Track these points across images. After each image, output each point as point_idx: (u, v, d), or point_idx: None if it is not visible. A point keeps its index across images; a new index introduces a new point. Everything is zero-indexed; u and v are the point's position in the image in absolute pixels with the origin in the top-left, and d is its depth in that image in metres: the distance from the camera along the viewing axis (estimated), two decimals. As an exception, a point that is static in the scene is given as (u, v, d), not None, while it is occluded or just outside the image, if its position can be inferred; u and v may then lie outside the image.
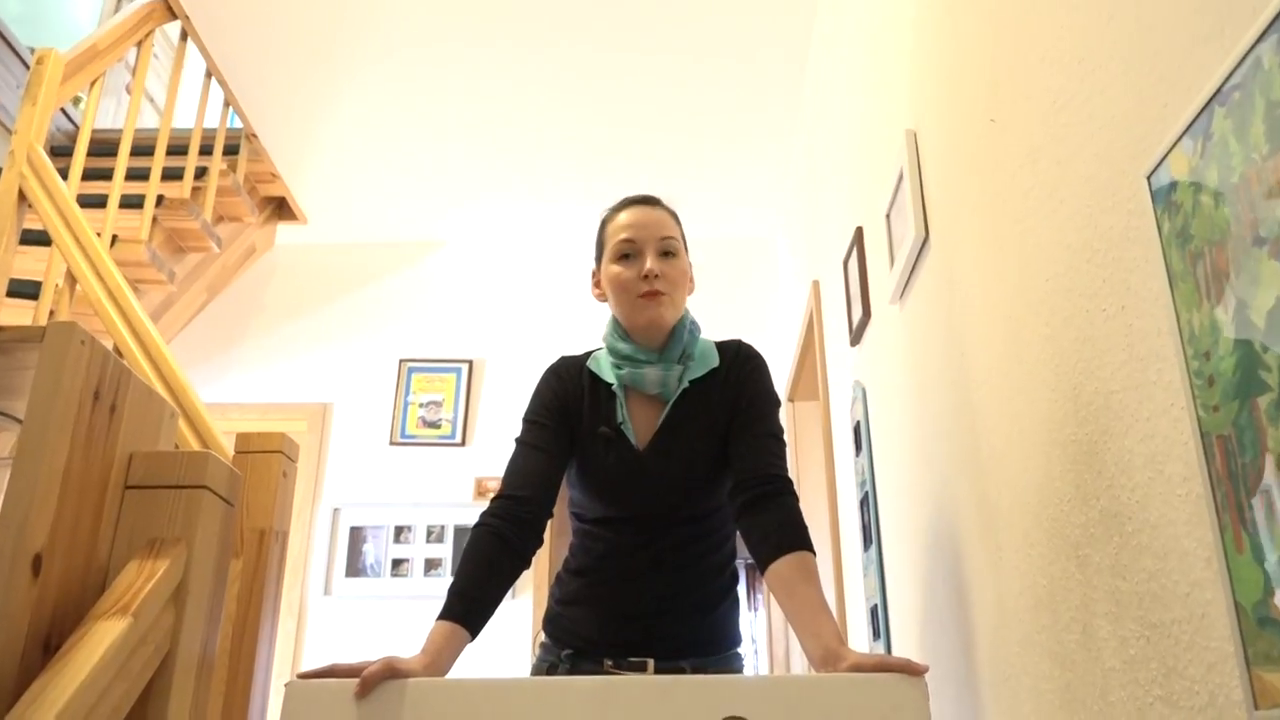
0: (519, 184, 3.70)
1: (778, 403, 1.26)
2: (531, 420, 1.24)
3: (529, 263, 4.06)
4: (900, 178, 1.51)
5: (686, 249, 1.29)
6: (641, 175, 3.53)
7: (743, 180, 3.65)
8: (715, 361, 1.27)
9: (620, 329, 1.27)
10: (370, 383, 3.83)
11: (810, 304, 2.80)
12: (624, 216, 1.26)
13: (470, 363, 3.85)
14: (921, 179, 1.43)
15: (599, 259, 1.30)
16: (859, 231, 1.99)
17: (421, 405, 3.76)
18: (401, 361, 3.84)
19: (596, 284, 1.30)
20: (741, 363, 1.26)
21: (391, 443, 3.70)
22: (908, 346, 1.56)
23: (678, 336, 1.24)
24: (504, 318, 3.96)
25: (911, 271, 1.49)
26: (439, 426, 3.73)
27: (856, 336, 2.04)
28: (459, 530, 3.53)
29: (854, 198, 2.12)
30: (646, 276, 1.21)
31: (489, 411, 3.77)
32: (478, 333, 3.95)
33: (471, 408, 3.77)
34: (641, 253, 1.23)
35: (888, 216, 1.64)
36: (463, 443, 3.70)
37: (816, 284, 2.76)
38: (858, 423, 2.01)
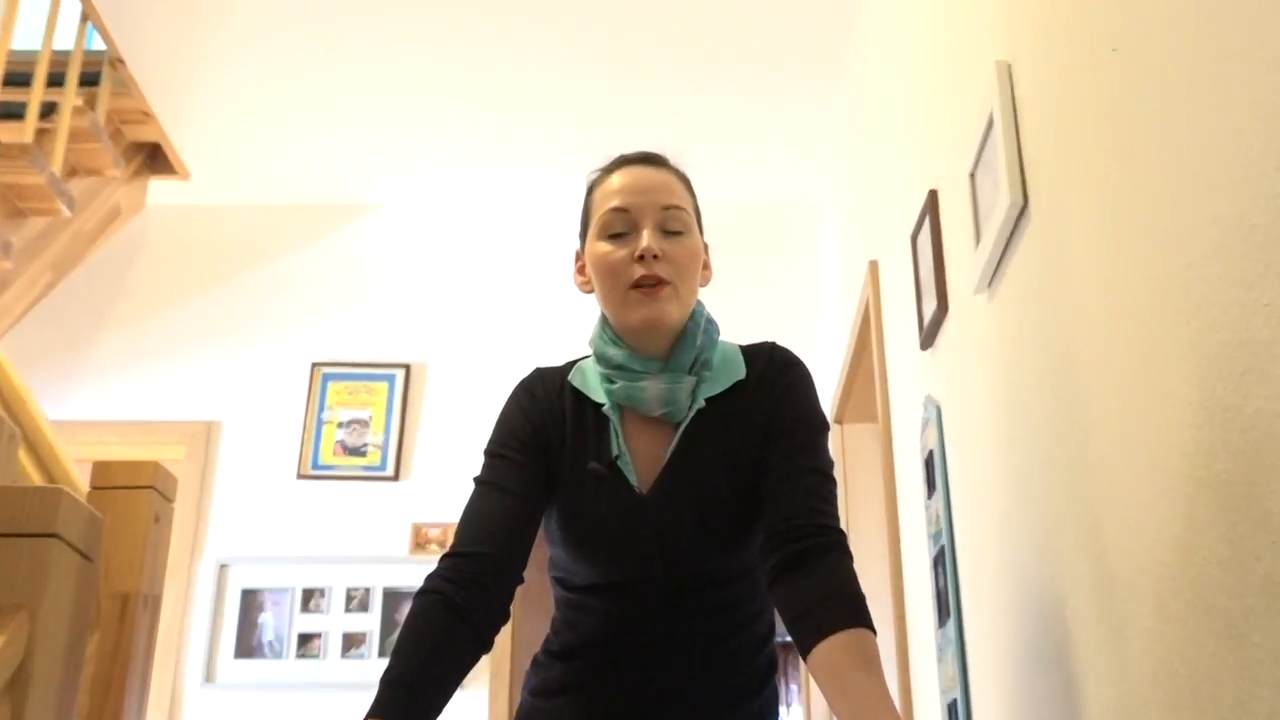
0: (481, 135, 3.72)
1: (825, 426, 1.26)
2: (496, 453, 1.24)
3: (491, 238, 4.08)
4: (989, 125, 1.52)
5: (701, 225, 1.30)
6: (642, 129, 3.55)
7: (775, 129, 3.67)
8: (741, 372, 1.27)
9: (611, 330, 1.27)
10: (272, 395, 3.83)
11: (866, 293, 2.81)
12: (616, 179, 1.26)
13: (407, 368, 3.86)
14: (1018, 127, 1.44)
15: (584, 236, 1.30)
16: (932, 197, 2.00)
17: (341, 425, 3.77)
18: (315, 366, 3.85)
19: (580, 269, 1.30)
20: (776, 373, 1.27)
21: (300, 475, 3.70)
22: (997, 351, 1.57)
23: (688, 339, 1.25)
24: (455, 309, 3.98)
25: (1004, 251, 1.50)
26: (364, 454, 3.73)
27: (928, 337, 2.05)
28: (391, 595, 3.53)
29: (925, 151, 2.12)
30: (642, 257, 1.21)
31: (433, 434, 3.77)
32: (419, 328, 3.96)
33: (409, 429, 3.78)
34: (636, 226, 1.23)
35: (972, 176, 1.65)
36: (396, 476, 3.70)
37: (874, 266, 2.77)
38: (930, 453, 2.01)
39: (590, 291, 1.29)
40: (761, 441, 1.22)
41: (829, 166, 3.81)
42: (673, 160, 1.30)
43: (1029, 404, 1.41)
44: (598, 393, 1.27)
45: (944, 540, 1.89)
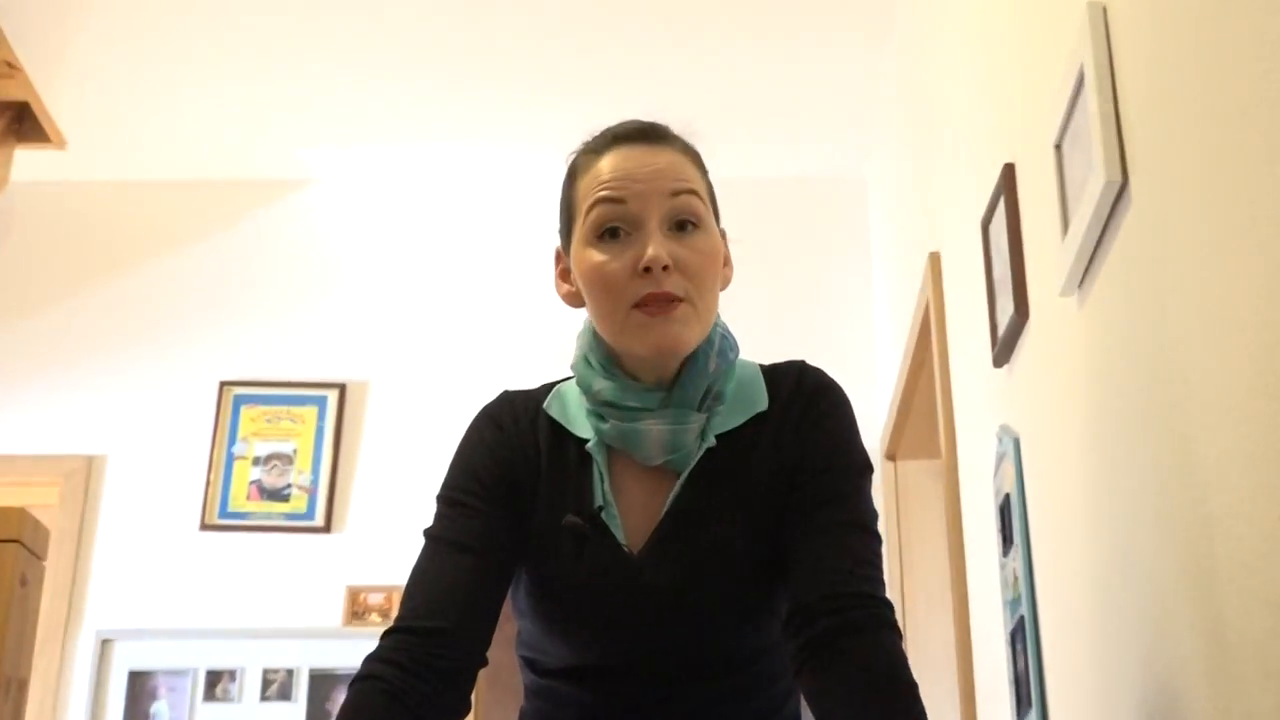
0: (440, 96, 3.73)
1: (867, 468, 1.26)
2: (453, 500, 1.25)
3: (451, 225, 4.09)
4: (1078, 83, 1.51)
5: (717, 209, 1.29)
6: (641, 90, 3.55)
7: (809, 84, 3.68)
8: (762, 401, 1.28)
9: (603, 350, 1.27)
10: (169, 423, 3.82)
11: (925, 294, 2.81)
12: (606, 162, 1.25)
13: (342, 388, 3.86)
14: (1115, 85, 1.43)
15: (566, 233, 1.29)
16: (1008, 174, 2.00)
17: (258, 461, 3.77)
18: (224, 386, 3.85)
19: (563, 274, 1.30)
20: (806, 401, 1.27)
21: (205, 526, 3.69)
22: (1091, 369, 1.56)
23: (698, 366, 1.25)
24: (404, 314, 3.98)
25: (1099, 241, 1.49)
26: (287, 498, 3.72)
27: (1004, 351, 2.05)
28: (320, 679, 3.51)
29: (999, 116, 2.13)
30: (648, 269, 1.20)
31: (374, 473, 3.77)
32: (357, 338, 3.97)
33: (344, 466, 3.78)
34: (637, 223, 1.22)
35: (1057, 148, 1.65)
36: (327, 527, 3.70)
37: (935, 260, 2.78)
38: (1006, 498, 2.01)
39: (579, 305, 1.28)
40: (786, 488, 1.23)
41: (877, 133, 3.82)
42: (678, 132, 1.29)
43: (1133, 438, 1.40)
44: (580, 425, 1.27)
45: (1024, 609, 1.89)
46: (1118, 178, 1.40)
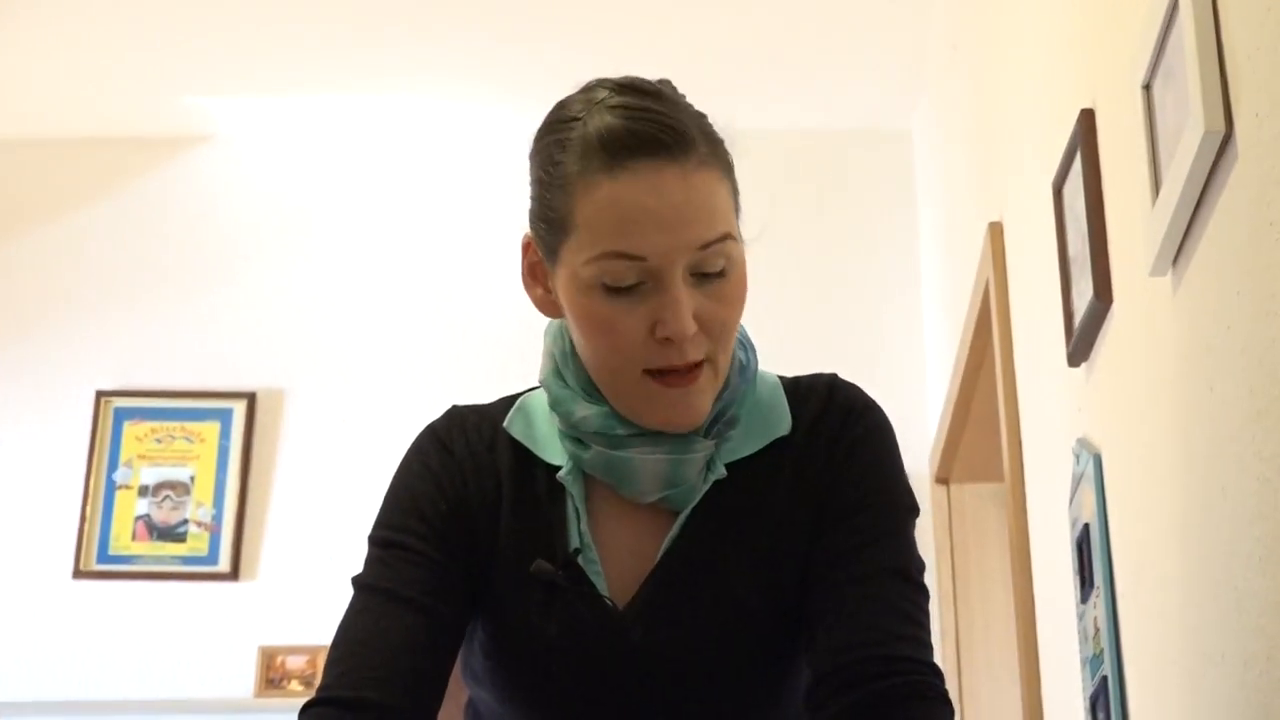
0: (368, 33, 3.71)
1: (912, 508, 1.27)
2: (390, 542, 1.25)
3: (384, 195, 4.08)
4: (1171, 10, 1.52)
5: (738, 209, 1.25)
6: (642, 28, 3.52)
7: (840, 19, 3.68)
8: (784, 424, 1.29)
9: (582, 375, 1.26)
10: (31, 443, 3.82)
11: (984, 273, 2.82)
12: (621, 190, 1.18)
13: (251, 398, 3.86)
14: (1217, 11, 1.44)
15: (552, 243, 1.24)
16: (1086, 122, 2.01)
17: (146, 492, 3.76)
18: (101, 397, 3.84)
19: (534, 272, 1.27)
20: (838, 425, 1.29)
21: (79, 573, 3.69)
22: (1190, 368, 1.57)
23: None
24: (328, 307, 3.98)
25: (1196, 206, 1.50)
26: (183, 538, 3.72)
27: (1082, 345, 2.06)
28: (225, 763, 3.51)
29: (1074, 51, 2.13)
30: (671, 339, 1.18)
31: (292, 505, 3.76)
32: (269, 336, 3.96)
33: (254, 497, 3.77)
34: (659, 278, 1.18)
35: (1146, 89, 1.65)
36: (235, 573, 3.69)
37: (996, 231, 2.79)
38: (1084, 529, 2.02)
39: (557, 316, 1.28)
40: (811, 529, 1.24)
41: (924, 75, 3.83)
42: (697, 118, 1.23)
43: (1242, 454, 1.40)
44: (551, 448, 1.28)
45: (1107, 668, 1.89)
46: (1220, 127, 1.40)
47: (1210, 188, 1.46)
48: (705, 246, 1.19)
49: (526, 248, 1.29)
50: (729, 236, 1.22)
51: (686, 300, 1.18)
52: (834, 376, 1.34)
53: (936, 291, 3.76)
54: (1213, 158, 1.43)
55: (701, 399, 1.22)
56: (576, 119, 1.22)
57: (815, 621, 1.20)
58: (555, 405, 1.28)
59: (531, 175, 1.28)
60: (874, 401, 1.32)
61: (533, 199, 1.28)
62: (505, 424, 1.30)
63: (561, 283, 1.24)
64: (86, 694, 3.57)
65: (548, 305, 1.28)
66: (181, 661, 3.61)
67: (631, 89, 1.22)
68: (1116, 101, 1.85)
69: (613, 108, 1.21)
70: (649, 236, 1.18)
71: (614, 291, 1.20)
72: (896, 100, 4.00)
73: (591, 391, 1.26)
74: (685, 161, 1.20)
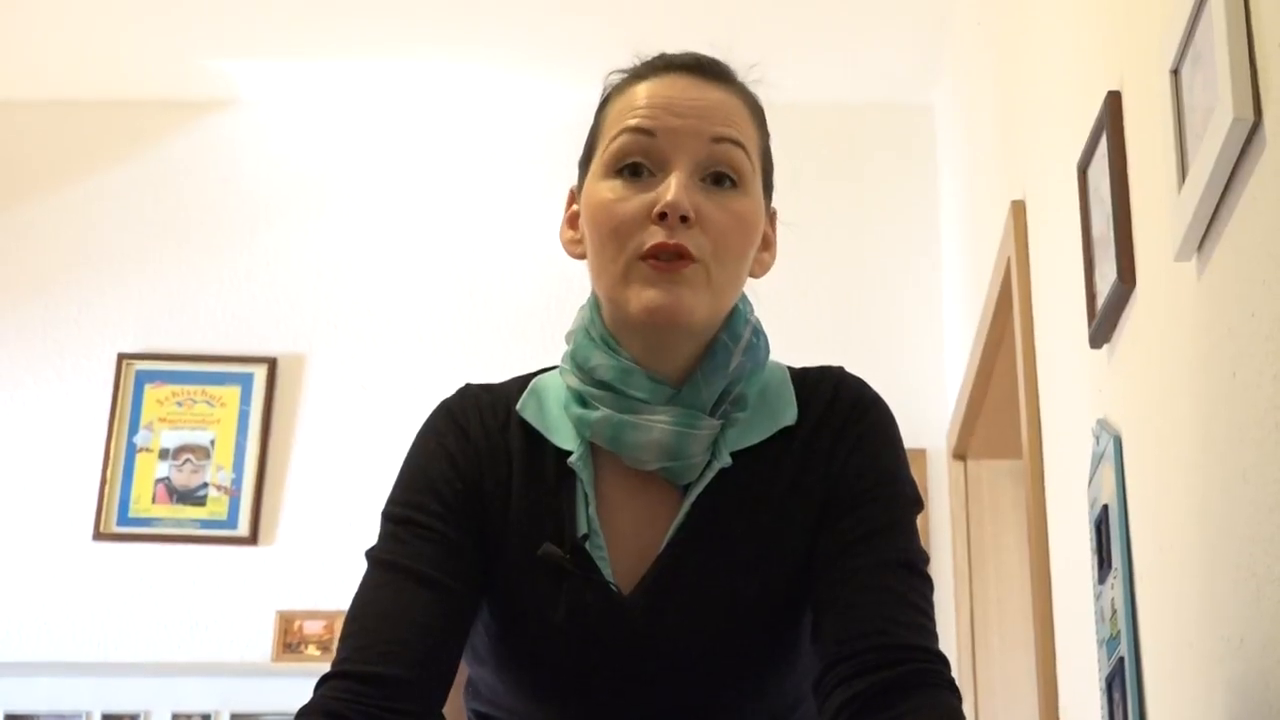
0: (397, 4, 3.71)
1: (915, 501, 1.29)
2: (405, 519, 1.26)
3: (411, 160, 4.08)
4: (1203, -6, 1.52)
5: (770, 185, 1.31)
6: (659, 8, 3.53)
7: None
8: (790, 414, 1.30)
9: (603, 321, 1.29)
10: (54, 406, 3.84)
11: (1006, 252, 2.82)
12: (646, 86, 1.28)
13: (272, 363, 3.87)
14: (1247, 1, 1.44)
15: (585, 166, 1.32)
16: (1112, 105, 2.01)
17: (167, 455, 3.77)
18: (123, 360, 3.86)
19: (572, 220, 1.32)
20: (844, 418, 1.30)
21: (100, 535, 3.71)
22: (1213, 351, 1.57)
23: (717, 359, 1.27)
24: (349, 271, 3.99)
25: (1224, 192, 1.50)
26: (203, 501, 3.74)
27: (1104, 327, 2.06)
28: (243, 725, 3.54)
29: (1100, 32, 2.13)
30: (664, 215, 1.22)
31: (312, 469, 3.78)
32: (291, 301, 3.98)
33: (274, 462, 3.79)
34: (666, 163, 1.24)
35: (1174, 74, 1.65)
36: (254, 537, 3.72)
37: (1018, 210, 2.78)
38: (1104, 509, 2.03)
39: (580, 255, 1.31)
40: (817, 520, 1.25)
41: (948, 48, 3.81)
42: (737, 74, 1.32)
43: (1264, 439, 1.41)
44: (562, 432, 1.29)
45: (1124, 649, 1.90)
46: (1249, 114, 1.40)
47: (1237, 175, 1.46)
48: (716, 141, 1.25)
49: (570, 198, 1.34)
50: (742, 148, 1.26)
51: (686, 186, 1.22)
52: (841, 370, 1.36)
53: (957, 266, 3.76)
54: (1241, 145, 1.43)
55: (690, 294, 1.23)
56: (635, 67, 1.32)
57: (822, 611, 1.21)
58: (575, 353, 1.30)
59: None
60: (879, 396, 1.34)
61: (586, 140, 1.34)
62: (518, 407, 1.31)
63: (584, 191, 1.30)
64: (105, 655, 3.60)
65: (574, 245, 1.33)
66: (200, 625, 3.64)
67: (692, 52, 1.32)
68: (1144, 85, 1.85)
69: (667, 55, 1.31)
70: (660, 117, 1.25)
71: (623, 173, 1.25)
72: (919, 74, 3.99)
73: (610, 341, 1.27)
74: (715, 81, 1.29)
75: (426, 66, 4.04)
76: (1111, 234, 1.96)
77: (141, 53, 3.97)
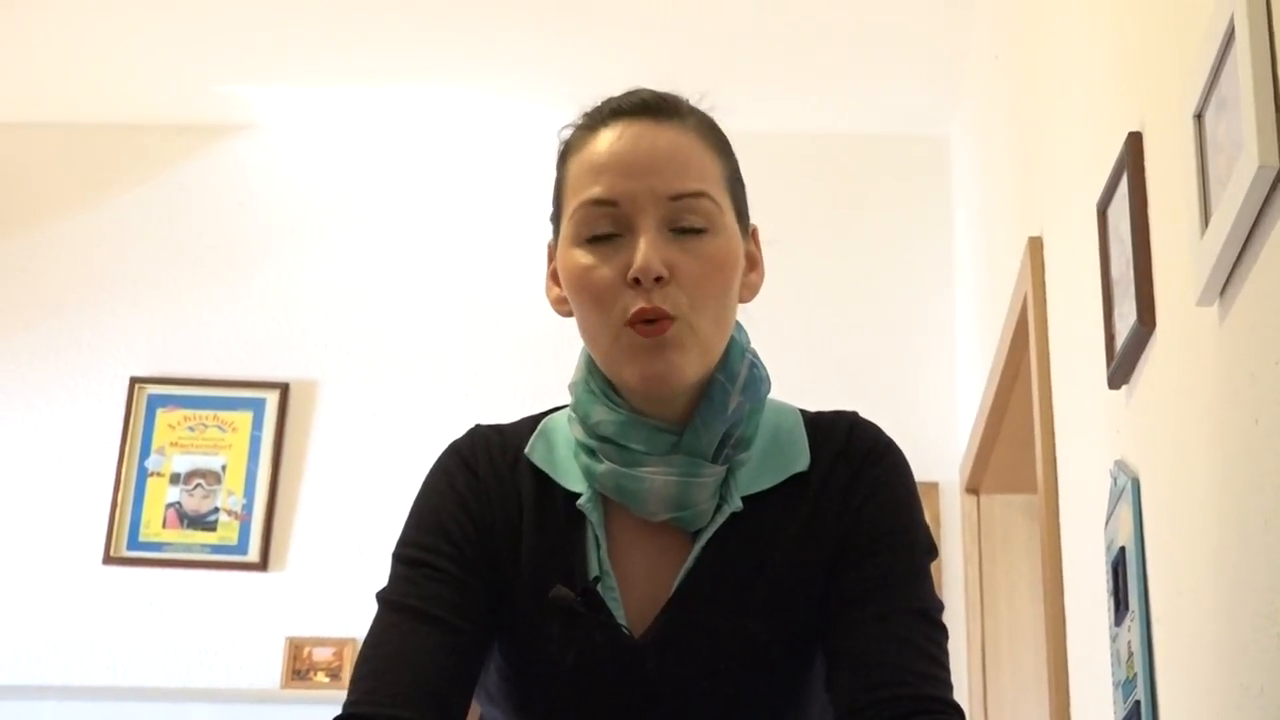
0: (409, 22, 3.72)
1: (930, 549, 1.29)
2: (417, 560, 1.27)
3: (422, 187, 4.09)
4: (1227, 36, 1.52)
5: (742, 203, 1.30)
6: (667, 38, 3.53)
7: (877, 19, 3.68)
8: (803, 460, 1.30)
9: (601, 375, 1.29)
10: (66, 429, 3.84)
11: (1022, 288, 2.81)
12: (599, 143, 1.27)
13: (284, 389, 3.87)
14: (1274, 41, 1.44)
15: (556, 224, 1.32)
16: (1133, 146, 2.01)
17: (179, 479, 3.77)
18: (136, 384, 3.86)
19: (554, 276, 1.32)
20: (858, 464, 1.30)
21: (110, 559, 3.71)
22: (1233, 395, 1.57)
23: (714, 402, 1.27)
24: (362, 297, 3.99)
25: (1248, 238, 1.50)
26: (213, 526, 3.73)
27: (1123, 368, 2.05)
28: (251, 754, 3.53)
29: (1123, 73, 2.12)
30: (637, 280, 1.22)
31: (322, 496, 3.78)
32: (304, 327, 3.98)
33: (285, 487, 3.78)
34: (631, 225, 1.24)
35: (1198, 118, 1.65)
36: (264, 563, 3.71)
37: (1035, 247, 2.78)
38: (1120, 551, 2.02)
39: (567, 314, 1.31)
40: (829, 566, 1.25)
41: (965, 80, 3.81)
42: (690, 104, 1.31)
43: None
44: (570, 475, 1.29)
45: (1140, 693, 1.88)
46: (1274, 162, 1.40)
47: (1261, 222, 1.46)
48: (676, 198, 1.24)
49: (550, 254, 1.33)
50: (706, 196, 1.25)
51: (656, 244, 1.22)
52: (855, 415, 1.35)
53: (971, 299, 3.75)
54: (1266, 192, 1.43)
55: (679, 356, 1.23)
56: (584, 116, 1.32)
57: (837, 660, 1.21)
58: (578, 408, 1.30)
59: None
60: (893, 442, 1.33)
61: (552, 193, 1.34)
62: (527, 450, 1.32)
63: (560, 259, 1.29)
64: (113, 680, 3.59)
65: (561, 303, 1.32)
66: (209, 650, 3.63)
67: (638, 90, 1.31)
68: (1166, 127, 1.85)
69: (613, 99, 1.30)
70: (618, 181, 1.25)
71: (593, 242, 1.25)
72: (935, 106, 3.98)
73: (610, 395, 1.28)
74: (666, 123, 1.28)
75: (440, 93, 4.05)
76: (1131, 275, 1.96)
77: (157, 77, 3.98)
